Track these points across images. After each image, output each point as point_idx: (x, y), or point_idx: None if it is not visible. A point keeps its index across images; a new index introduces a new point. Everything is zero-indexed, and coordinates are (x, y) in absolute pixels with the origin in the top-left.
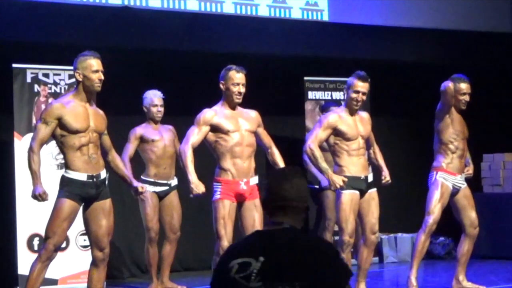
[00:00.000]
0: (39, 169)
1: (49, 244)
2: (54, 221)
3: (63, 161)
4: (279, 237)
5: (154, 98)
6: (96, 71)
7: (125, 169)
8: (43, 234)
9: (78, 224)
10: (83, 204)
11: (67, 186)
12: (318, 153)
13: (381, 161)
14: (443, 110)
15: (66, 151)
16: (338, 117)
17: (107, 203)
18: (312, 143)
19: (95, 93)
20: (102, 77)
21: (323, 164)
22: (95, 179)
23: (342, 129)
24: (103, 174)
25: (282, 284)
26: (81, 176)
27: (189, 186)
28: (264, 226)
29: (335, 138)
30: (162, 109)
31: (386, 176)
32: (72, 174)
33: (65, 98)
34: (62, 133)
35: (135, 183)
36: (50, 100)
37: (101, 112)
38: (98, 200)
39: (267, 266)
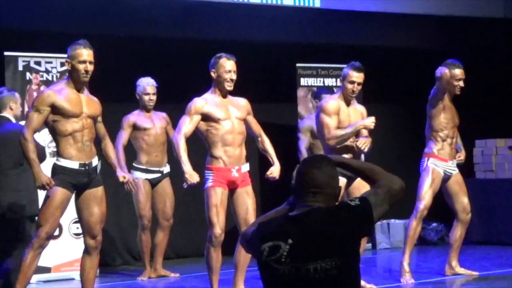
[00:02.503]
0: (36, 157)
1: (41, 232)
2: (47, 210)
3: (55, 149)
4: (307, 219)
5: (146, 86)
6: (83, 62)
7: (115, 158)
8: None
9: (71, 212)
10: (75, 192)
11: (59, 174)
12: (339, 138)
13: None
14: (437, 96)
15: (58, 138)
16: (338, 104)
17: (99, 191)
18: (329, 135)
19: (84, 83)
20: (89, 68)
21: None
22: (87, 167)
23: (340, 119)
24: (95, 161)
25: (314, 263)
26: (73, 164)
27: (183, 176)
28: (295, 209)
29: None
30: (154, 97)
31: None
32: (64, 162)
33: (58, 85)
34: (54, 118)
35: (119, 172)
36: (42, 88)
37: (95, 98)
38: (90, 188)
39: (295, 247)
